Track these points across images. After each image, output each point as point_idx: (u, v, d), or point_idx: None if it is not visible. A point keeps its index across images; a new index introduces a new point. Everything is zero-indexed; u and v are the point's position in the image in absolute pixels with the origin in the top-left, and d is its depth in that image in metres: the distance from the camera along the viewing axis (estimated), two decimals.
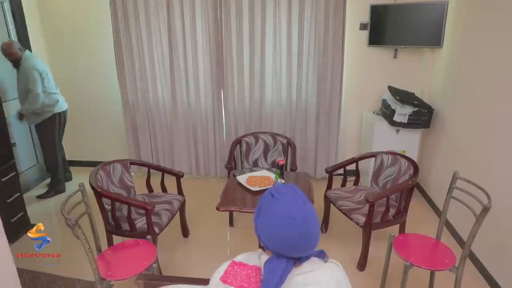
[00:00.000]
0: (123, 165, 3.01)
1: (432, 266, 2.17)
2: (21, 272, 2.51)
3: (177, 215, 3.10)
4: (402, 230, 2.90)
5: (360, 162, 3.29)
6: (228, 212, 3.44)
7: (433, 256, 2.28)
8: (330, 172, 3.21)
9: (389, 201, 2.69)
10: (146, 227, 2.57)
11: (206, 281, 1.18)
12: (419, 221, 3.42)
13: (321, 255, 1.09)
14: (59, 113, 3.99)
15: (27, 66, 3.65)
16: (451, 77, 3.45)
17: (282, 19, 3.92)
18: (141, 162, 3.69)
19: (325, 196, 3.17)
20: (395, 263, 2.51)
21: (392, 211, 2.78)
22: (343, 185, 3.29)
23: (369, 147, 3.88)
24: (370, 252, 2.78)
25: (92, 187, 2.57)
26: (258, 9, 3.90)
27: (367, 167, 3.67)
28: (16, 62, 3.68)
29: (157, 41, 4.12)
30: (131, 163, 3.13)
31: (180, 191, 3.20)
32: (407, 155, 3.15)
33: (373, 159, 3.26)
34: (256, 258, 1.12)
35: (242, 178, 2.98)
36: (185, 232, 3.29)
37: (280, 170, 2.81)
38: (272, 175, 3.01)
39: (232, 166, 3.37)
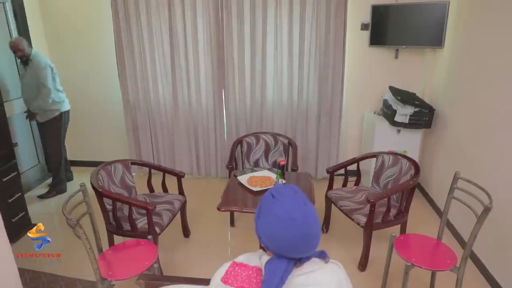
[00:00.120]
0: (124, 165, 3.01)
1: (433, 267, 2.17)
2: (22, 271, 2.52)
3: (178, 215, 3.10)
4: (403, 230, 2.90)
5: (361, 162, 3.29)
6: (229, 212, 3.44)
7: (434, 257, 2.27)
8: (331, 172, 3.21)
9: (390, 202, 2.69)
10: (147, 227, 2.58)
11: (207, 281, 1.18)
12: (420, 221, 3.42)
13: (322, 255, 1.09)
14: (65, 112, 4.02)
15: (38, 62, 3.70)
16: (452, 77, 3.45)
17: (283, 20, 3.92)
18: (142, 162, 3.69)
19: (326, 196, 3.17)
20: (396, 264, 2.51)
21: (393, 212, 2.77)
22: (344, 185, 3.29)
23: (370, 147, 3.87)
24: (371, 253, 2.78)
25: (93, 187, 2.57)
26: (260, 9, 3.90)
27: (368, 167, 3.67)
28: (25, 58, 3.70)
29: (158, 41, 4.12)
30: (132, 163, 3.13)
31: (181, 191, 3.20)
32: (408, 155, 3.14)
33: (374, 159, 3.26)
34: (257, 259, 1.12)
35: (243, 178, 2.98)
36: (186, 232, 3.29)
37: (281, 170, 2.81)
38: (273, 175, 3.01)
39: (233, 166, 3.37)
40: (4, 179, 3.14)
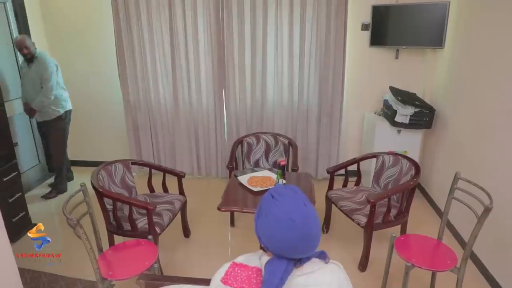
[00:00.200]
0: (124, 165, 3.01)
1: (433, 267, 2.17)
2: (22, 271, 2.52)
3: (179, 215, 3.10)
4: (403, 230, 2.90)
5: (361, 163, 3.29)
6: (229, 213, 3.44)
7: (435, 257, 2.27)
8: (332, 172, 3.21)
9: (391, 202, 2.69)
10: (147, 227, 2.58)
11: (207, 281, 1.18)
12: (421, 221, 3.42)
13: (322, 256, 1.09)
14: (68, 111, 4.04)
15: (44, 59, 3.74)
16: (452, 77, 3.45)
17: (284, 20, 3.92)
18: (143, 162, 3.69)
19: (327, 197, 3.17)
20: (397, 264, 2.51)
21: (393, 212, 2.77)
22: (345, 185, 3.29)
23: (371, 147, 3.87)
24: (372, 253, 2.78)
25: (94, 187, 2.57)
26: (260, 9, 3.90)
27: (369, 167, 3.67)
28: (30, 56, 3.70)
29: (158, 41, 4.12)
30: (133, 163, 3.14)
31: (181, 191, 3.20)
32: (408, 155, 3.14)
33: (374, 159, 3.26)
34: (257, 259, 1.12)
35: (243, 179, 2.98)
36: (186, 232, 3.29)
37: (282, 170, 2.81)
38: (274, 176, 3.01)
39: (233, 166, 3.37)
40: (5, 179, 3.15)
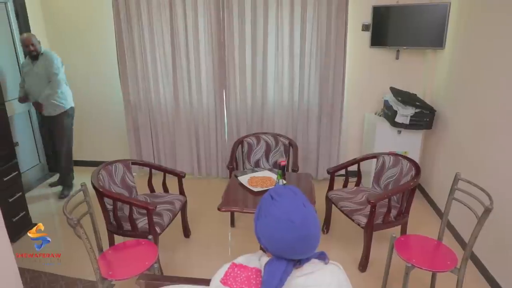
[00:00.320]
0: (125, 165, 3.02)
1: (433, 268, 2.17)
2: (22, 271, 2.52)
3: (179, 215, 3.10)
4: (403, 231, 2.90)
5: (361, 163, 3.29)
6: (229, 213, 3.44)
7: (435, 258, 2.27)
8: (332, 173, 3.21)
9: (391, 202, 2.69)
10: (147, 227, 2.58)
11: (207, 281, 1.18)
12: (421, 222, 3.42)
13: (322, 256, 1.09)
14: (73, 108, 4.07)
15: (51, 55, 3.79)
16: (453, 78, 3.44)
17: (285, 20, 3.92)
18: (143, 162, 3.70)
19: (327, 197, 3.17)
20: (397, 264, 2.51)
21: (393, 212, 2.77)
22: (345, 186, 3.29)
23: (371, 148, 3.87)
24: (372, 253, 2.78)
25: (94, 187, 2.57)
26: (261, 9, 3.90)
27: (369, 168, 3.67)
28: (35, 53, 3.73)
29: (159, 41, 4.12)
30: (133, 163, 3.14)
31: (181, 191, 3.21)
32: (409, 156, 3.14)
33: (374, 160, 3.26)
34: (257, 260, 1.12)
35: (243, 179, 2.98)
36: (186, 232, 3.29)
37: (282, 170, 2.81)
38: (274, 176, 3.01)
39: (233, 166, 3.37)
40: (5, 179, 3.15)
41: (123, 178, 2.99)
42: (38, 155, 4.55)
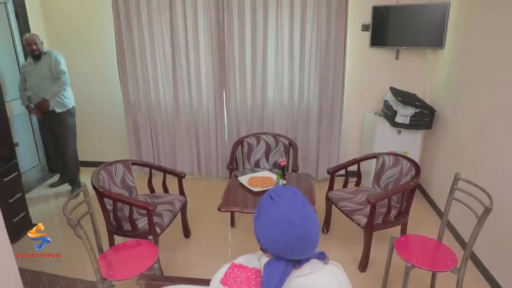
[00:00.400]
0: (125, 165, 3.02)
1: (433, 267, 2.17)
2: (22, 272, 2.52)
3: (179, 216, 3.10)
4: (403, 231, 2.90)
5: (361, 163, 3.29)
6: (229, 213, 3.44)
7: (435, 258, 2.27)
8: (332, 173, 3.21)
9: (391, 202, 2.69)
10: (147, 227, 2.58)
11: (207, 282, 1.18)
12: (421, 222, 3.42)
13: (322, 257, 1.09)
14: (74, 107, 4.07)
15: (55, 54, 3.81)
16: (453, 78, 3.45)
17: (284, 21, 3.93)
18: (143, 163, 3.70)
19: (327, 197, 3.17)
20: (397, 264, 2.51)
21: (393, 212, 2.77)
22: (345, 186, 3.29)
23: (371, 148, 3.88)
24: (372, 253, 2.78)
25: (94, 187, 2.57)
26: (260, 10, 3.90)
27: (369, 168, 3.67)
28: (38, 53, 3.74)
29: (159, 42, 4.13)
30: (133, 164, 3.14)
31: (181, 192, 3.21)
32: (408, 156, 3.14)
33: (374, 160, 3.26)
34: (256, 260, 1.12)
35: (243, 179, 2.98)
36: (186, 233, 3.29)
37: (282, 171, 2.82)
38: (274, 176, 3.01)
39: (233, 166, 3.37)
40: (5, 179, 3.15)
41: (123, 179, 2.99)
42: (38, 156, 4.56)
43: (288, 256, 1.03)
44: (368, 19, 3.89)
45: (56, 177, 4.55)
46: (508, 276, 2.46)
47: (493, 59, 2.74)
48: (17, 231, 3.18)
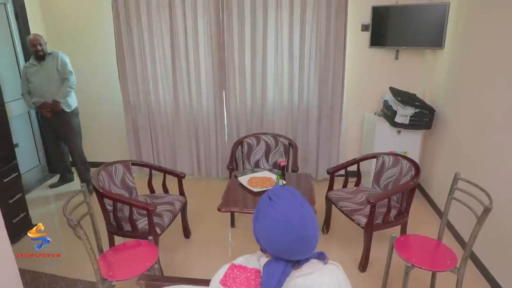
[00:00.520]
0: (125, 166, 3.02)
1: (433, 267, 2.17)
2: (23, 272, 2.52)
3: (179, 216, 3.10)
4: (403, 231, 2.90)
5: (361, 163, 3.29)
6: (229, 213, 3.44)
7: (435, 257, 2.27)
8: (332, 173, 3.21)
9: (391, 202, 2.69)
10: (147, 227, 2.58)
11: (207, 282, 1.19)
12: (421, 222, 3.42)
13: (321, 257, 1.09)
14: (77, 107, 4.10)
15: (61, 55, 3.86)
16: (452, 78, 3.45)
17: (284, 22, 3.93)
18: (143, 163, 3.69)
19: (327, 197, 3.17)
20: (397, 264, 2.51)
21: (393, 212, 2.77)
22: (345, 186, 3.29)
23: (371, 148, 3.88)
24: (372, 253, 2.78)
25: (94, 188, 2.57)
26: (260, 11, 3.90)
27: (369, 168, 3.67)
28: (42, 54, 3.76)
29: (159, 42, 4.13)
30: (133, 164, 3.14)
31: (181, 192, 3.21)
32: (408, 156, 3.14)
33: (374, 160, 3.26)
34: (256, 261, 1.12)
35: (243, 179, 2.98)
36: (186, 233, 3.29)
37: (282, 171, 2.82)
38: (274, 176, 3.01)
39: (233, 167, 3.37)
40: (5, 180, 3.15)
41: (123, 179, 2.99)
42: (38, 156, 4.56)
43: (287, 256, 1.04)
44: (367, 19, 3.90)
45: (56, 178, 4.55)
46: (508, 275, 2.46)
47: (493, 59, 2.74)
48: (17, 232, 3.18)
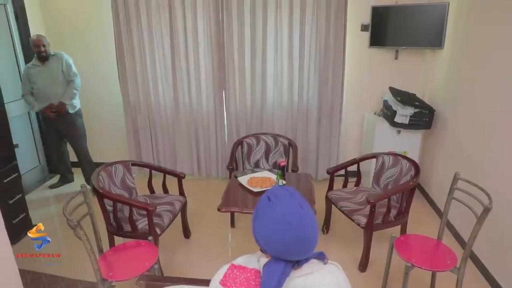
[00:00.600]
0: (125, 166, 3.02)
1: (433, 267, 2.17)
2: (22, 272, 2.52)
3: (179, 216, 3.11)
4: (403, 231, 2.90)
5: (361, 163, 3.29)
6: (229, 213, 3.44)
7: (435, 257, 2.28)
8: (332, 173, 3.22)
9: (390, 202, 2.69)
10: (147, 228, 2.58)
11: (207, 282, 1.19)
12: (421, 222, 3.42)
13: (321, 257, 1.09)
14: (80, 108, 4.13)
15: (65, 57, 3.90)
16: (452, 78, 3.45)
17: (284, 22, 3.93)
18: (143, 163, 3.69)
19: (327, 197, 3.17)
20: (397, 264, 2.52)
21: (393, 212, 2.77)
22: (345, 186, 3.29)
23: (370, 148, 3.88)
24: (372, 253, 2.78)
25: (94, 188, 2.57)
26: (260, 11, 3.91)
27: (369, 168, 3.67)
28: (45, 55, 3.77)
29: (158, 43, 4.13)
30: (133, 164, 3.14)
31: (181, 192, 3.21)
32: (408, 156, 3.15)
33: (374, 160, 3.26)
34: (256, 261, 1.12)
35: (243, 179, 2.98)
36: (186, 233, 3.29)
37: (282, 171, 2.82)
38: (274, 176, 3.02)
39: (233, 167, 3.37)
40: (5, 181, 3.15)
41: (123, 179, 2.99)
42: (38, 157, 4.56)
43: (287, 257, 1.04)
44: (367, 19, 3.90)
45: (56, 178, 4.55)
46: (508, 275, 2.46)
47: (492, 59, 2.74)
48: (17, 232, 3.18)
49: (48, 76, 3.79)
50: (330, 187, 3.25)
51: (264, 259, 1.08)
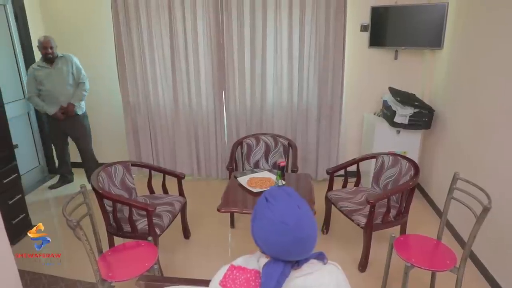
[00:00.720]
0: (124, 166, 3.02)
1: (433, 267, 2.17)
2: (22, 273, 2.52)
3: (178, 217, 3.11)
4: (403, 231, 2.90)
5: (361, 163, 3.29)
6: (229, 214, 3.44)
7: (434, 257, 2.28)
8: (331, 173, 3.22)
9: (390, 202, 2.69)
10: (147, 228, 2.58)
11: (207, 282, 1.19)
12: (420, 222, 3.42)
13: (320, 257, 1.09)
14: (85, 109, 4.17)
15: (74, 59, 3.96)
16: (451, 78, 3.45)
17: (283, 22, 3.93)
18: (143, 164, 3.69)
19: (326, 197, 3.17)
20: (396, 264, 2.52)
21: (393, 212, 2.78)
22: (344, 186, 3.29)
23: (370, 148, 3.88)
24: (371, 253, 2.78)
25: (94, 189, 2.57)
26: (259, 12, 3.91)
27: (368, 168, 3.67)
28: (51, 56, 3.79)
29: (158, 43, 4.13)
30: (133, 165, 3.14)
31: (181, 193, 3.21)
32: (408, 156, 3.14)
33: (374, 160, 3.26)
34: (255, 262, 1.12)
35: (243, 180, 2.98)
36: (186, 234, 3.29)
37: (281, 171, 2.82)
38: (273, 177, 3.02)
39: (233, 167, 3.37)
40: (5, 181, 3.15)
41: (123, 180, 2.99)
42: (38, 157, 4.55)
43: (285, 257, 1.04)
44: (367, 19, 3.90)
45: (55, 179, 4.55)
46: (508, 275, 2.46)
47: (492, 59, 2.75)
48: (16, 233, 3.18)
49: (58, 77, 3.81)
50: (330, 187, 3.25)
51: (264, 260, 1.08)
